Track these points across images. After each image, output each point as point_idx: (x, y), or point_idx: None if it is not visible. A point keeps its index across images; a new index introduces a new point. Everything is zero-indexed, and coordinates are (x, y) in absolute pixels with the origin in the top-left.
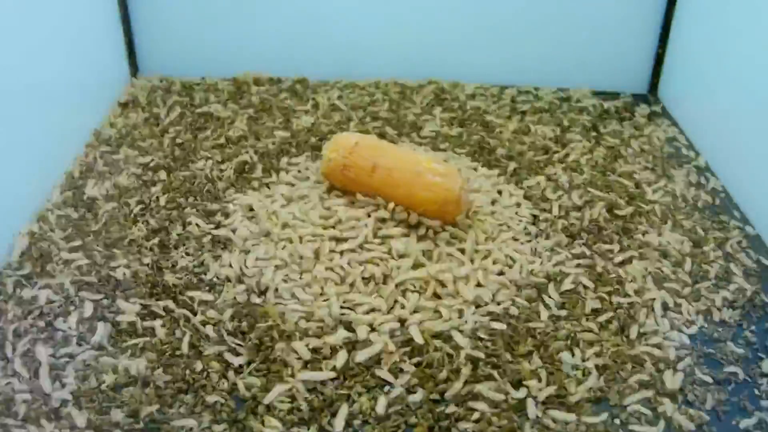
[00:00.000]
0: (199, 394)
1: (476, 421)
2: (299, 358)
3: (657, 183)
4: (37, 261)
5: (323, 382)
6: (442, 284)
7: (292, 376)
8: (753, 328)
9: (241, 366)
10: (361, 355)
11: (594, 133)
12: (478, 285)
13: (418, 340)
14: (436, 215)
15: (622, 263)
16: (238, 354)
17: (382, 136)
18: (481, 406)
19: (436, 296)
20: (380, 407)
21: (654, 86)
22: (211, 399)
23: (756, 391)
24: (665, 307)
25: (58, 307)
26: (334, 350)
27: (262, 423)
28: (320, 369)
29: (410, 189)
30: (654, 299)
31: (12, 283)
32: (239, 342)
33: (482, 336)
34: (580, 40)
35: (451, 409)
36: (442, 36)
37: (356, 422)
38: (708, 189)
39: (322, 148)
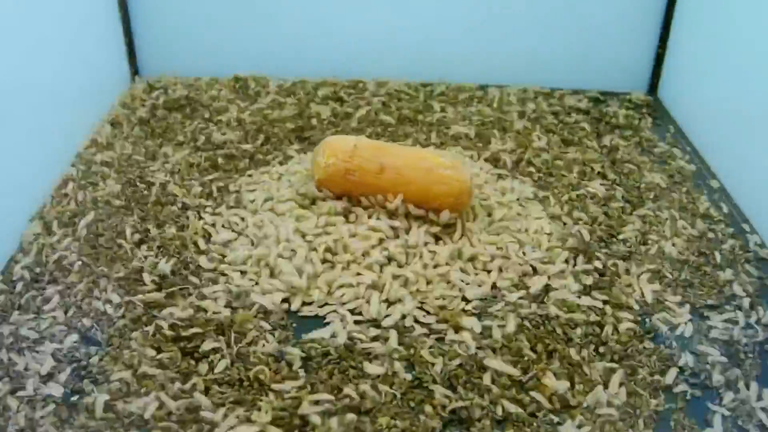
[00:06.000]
0: None
1: None
2: None
3: (656, 183)
4: (37, 268)
5: None
6: None
7: None
8: None
9: None
10: None
11: (593, 134)
12: None
13: None
14: (450, 207)
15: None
16: None
17: (377, 137)
18: None
19: None
20: None
21: (654, 86)
22: None
23: None
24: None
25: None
26: None
27: None
28: None
29: (424, 185)
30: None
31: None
32: None
33: None
34: (580, 40)
35: None
36: (437, 36)
37: None
38: (707, 189)
39: (314, 155)
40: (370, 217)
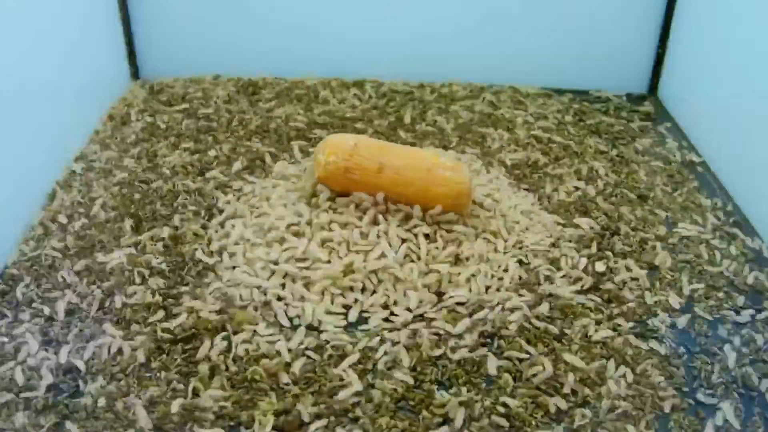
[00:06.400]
0: None
1: None
2: None
3: (656, 183)
4: (35, 268)
5: None
6: None
7: None
8: None
9: None
10: None
11: (592, 134)
12: None
13: None
14: (449, 208)
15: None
16: None
17: (377, 136)
18: None
19: None
20: None
21: (654, 86)
22: None
23: None
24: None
25: None
26: None
27: None
28: None
29: (423, 186)
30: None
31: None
32: None
33: None
34: (580, 39)
35: None
36: (437, 35)
37: None
38: (707, 189)
39: (315, 153)
40: (375, 221)
